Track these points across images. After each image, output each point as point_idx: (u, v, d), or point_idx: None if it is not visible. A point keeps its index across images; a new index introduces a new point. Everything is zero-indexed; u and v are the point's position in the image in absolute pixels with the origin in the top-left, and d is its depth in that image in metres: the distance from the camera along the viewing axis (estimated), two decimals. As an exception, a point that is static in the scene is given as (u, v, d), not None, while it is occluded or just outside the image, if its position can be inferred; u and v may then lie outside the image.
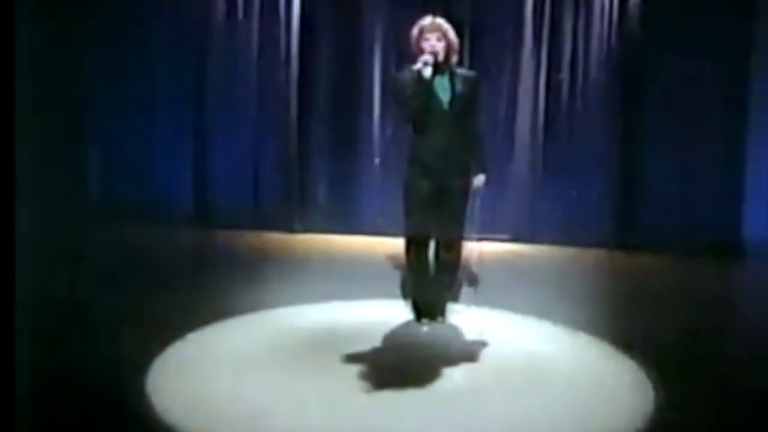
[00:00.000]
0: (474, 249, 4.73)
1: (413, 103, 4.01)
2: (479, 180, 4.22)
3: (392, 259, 5.12)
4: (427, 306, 4.33)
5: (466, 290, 4.72)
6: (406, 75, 4.05)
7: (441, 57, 4.02)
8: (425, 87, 3.99)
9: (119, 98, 6.95)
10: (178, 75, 7.09)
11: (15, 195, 1.81)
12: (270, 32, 7.09)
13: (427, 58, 3.97)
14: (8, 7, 1.71)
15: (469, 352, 3.89)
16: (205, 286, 4.99)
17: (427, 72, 3.97)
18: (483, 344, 4.01)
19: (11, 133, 1.73)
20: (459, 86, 4.08)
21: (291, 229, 7.12)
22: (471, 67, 4.53)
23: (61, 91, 6.43)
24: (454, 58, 4.13)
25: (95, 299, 4.41)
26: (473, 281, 4.89)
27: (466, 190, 4.19)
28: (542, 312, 4.55)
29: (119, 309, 4.29)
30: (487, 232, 6.44)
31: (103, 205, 6.86)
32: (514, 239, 6.92)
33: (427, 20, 4.08)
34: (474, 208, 4.35)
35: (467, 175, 4.18)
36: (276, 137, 7.20)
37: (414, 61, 4.05)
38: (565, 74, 6.87)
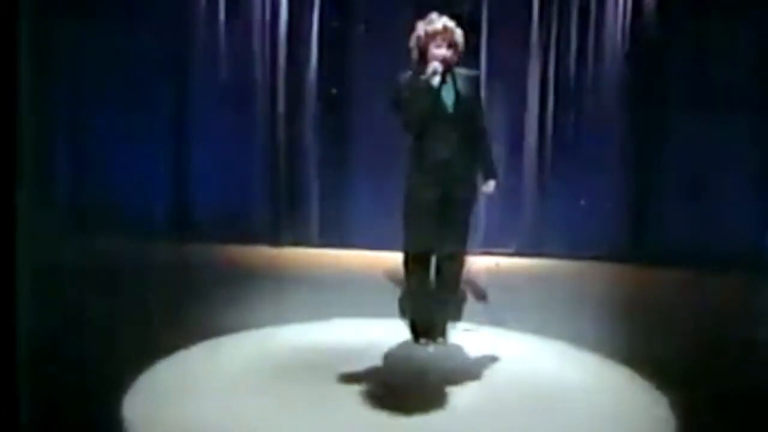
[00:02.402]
0: (478, 262, 4.73)
1: (416, 110, 4.01)
2: (489, 186, 4.25)
3: (390, 274, 5.12)
4: (427, 325, 4.32)
5: (470, 307, 4.72)
6: (408, 80, 4.06)
7: (449, 63, 4.04)
8: (432, 94, 4.00)
9: (91, 98, 6.89)
10: (158, 77, 7.06)
11: (16, 197, 1.79)
12: (257, 32, 7.11)
13: (437, 66, 3.98)
14: (12, 7, 1.73)
15: (472, 374, 3.89)
16: (186, 304, 4.96)
17: (437, 80, 3.99)
18: (487, 365, 4.02)
19: (13, 136, 1.75)
20: (462, 88, 4.10)
21: (278, 243, 7.11)
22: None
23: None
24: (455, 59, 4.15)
25: (65, 317, 4.37)
26: (481, 297, 4.90)
27: (470, 200, 4.22)
28: (549, 330, 4.57)
29: (91, 328, 4.25)
30: (490, 246, 6.47)
31: (72, 215, 6.80)
32: (519, 253, 6.94)
33: (438, 24, 4.06)
34: (477, 219, 4.36)
35: (473, 184, 4.20)
36: (263, 144, 7.22)
37: (411, 62, 4.07)
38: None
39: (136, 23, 6.88)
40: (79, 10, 6.58)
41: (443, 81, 4.02)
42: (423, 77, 3.99)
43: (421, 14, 4.18)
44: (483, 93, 4.33)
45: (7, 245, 1.81)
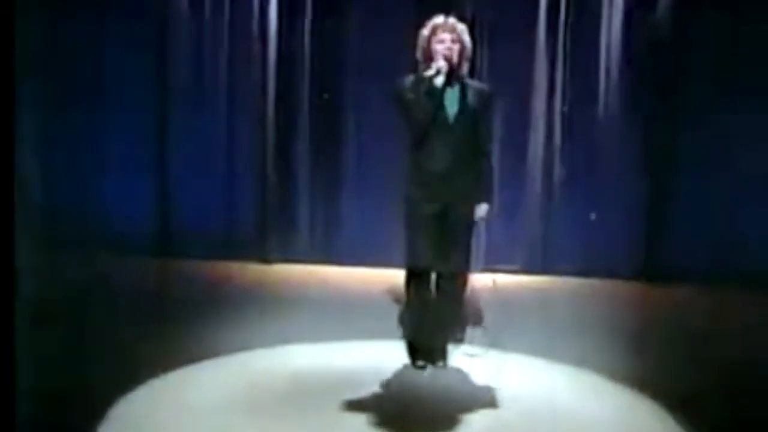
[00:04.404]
0: (481, 280, 4.73)
1: (416, 114, 4.00)
2: (481, 210, 4.21)
3: (393, 292, 5.12)
4: (426, 348, 4.31)
5: (473, 329, 4.73)
6: (410, 81, 4.04)
7: (454, 61, 4.03)
8: (434, 97, 3.99)
9: (65, 99, 6.87)
10: (139, 80, 7.08)
11: (14, 199, 1.90)
12: (246, 37, 7.16)
13: (442, 64, 3.97)
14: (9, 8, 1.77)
15: (474, 400, 3.88)
16: (168, 324, 4.96)
17: (440, 80, 3.97)
18: (491, 391, 4.01)
19: (11, 139, 1.79)
20: (469, 100, 4.08)
21: (267, 259, 7.13)
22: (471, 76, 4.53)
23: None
24: (466, 67, 4.14)
25: (35, 340, 4.34)
26: (476, 319, 4.89)
27: (471, 216, 4.21)
28: (557, 352, 4.57)
29: (64, 352, 4.20)
30: (495, 263, 6.48)
31: (44, 229, 6.77)
32: (525, 270, 6.95)
33: (439, 18, 4.08)
34: (479, 235, 4.35)
35: (474, 199, 4.19)
36: (250, 155, 7.24)
37: (416, 68, 4.08)
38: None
39: (118, 30, 6.94)
40: (57, 16, 6.60)
41: (447, 83, 3.99)
42: (426, 74, 3.96)
43: (421, 18, 4.18)
44: (493, 110, 4.26)
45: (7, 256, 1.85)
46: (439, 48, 4.01)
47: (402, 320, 4.57)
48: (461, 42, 4.07)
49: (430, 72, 3.96)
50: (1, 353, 1.97)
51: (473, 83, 4.19)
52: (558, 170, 7.03)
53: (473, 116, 4.09)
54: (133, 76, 7.03)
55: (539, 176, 7.08)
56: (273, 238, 7.21)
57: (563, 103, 6.98)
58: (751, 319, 5.79)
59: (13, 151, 2.00)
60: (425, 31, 4.08)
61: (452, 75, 4.03)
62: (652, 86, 6.87)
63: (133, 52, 7.02)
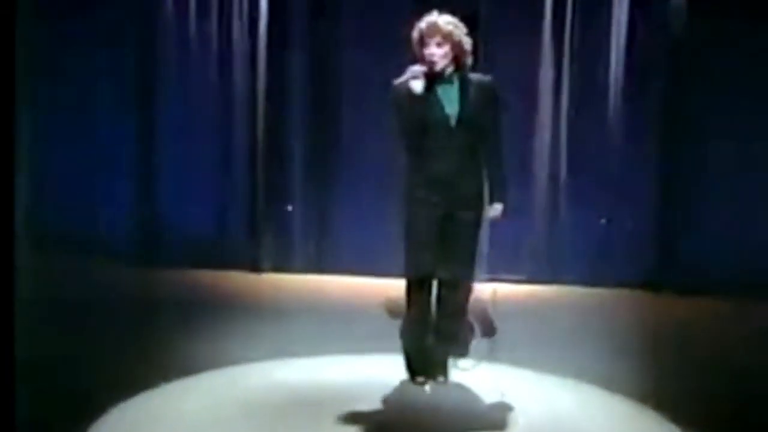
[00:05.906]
0: (486, 291, 4.69)
1: (407, 121, 4.01)
2: (495, 210, 4.18)
3: (391, 303, 5.09)
4: (425, 362, 4.29)
5: (478, 342, 4.68)
6: (402, 88, 4.01)
7: (439, 66, 3.99)
8: (421, 103, 3.97)
9: (48, 102, 6.91)
10: (124, 82, 7.10)
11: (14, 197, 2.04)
12: (235, 38, 7.17)
13: (416, 69, 3.96)
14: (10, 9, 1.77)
15: (476, 419, 3.86)
16: (155, 337, 4.96)
17: (418, 86, 3.95)
18: (494, 409, 3.98)
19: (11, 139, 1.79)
20: (471, 97, 4.04)
21: (258, 269, 7.11)
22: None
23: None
24: (468, 60, 4.09)
25: (17, 351, 4.33)
26: (489, 331, 4.84)
27: (476, 223, 4.18)
28: (566, 368, 4.54)
29: (46, 363, 4.16)
30: (501, 272, 6.44)
31: (28, 236, 6.78)
32: (531, 280, 6.94)
33: (425, 21, 4.02)
34: (485, 242, 4.32)
35: (479, 205, 4.15)
36: (240, 159, 7.24)
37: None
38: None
39: (109, 31, 6.99)
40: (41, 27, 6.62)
41: (431, 86, 3.97)
42: (398, 81, 3.96)
43: (419, 16, 4.13)
44: (499, 103, 4.17)
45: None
46: (425, 53, 3.99)
47: (403, 333, 4.52)
48: (449, 41, 3.99)
49: (403, 78, 3.96)
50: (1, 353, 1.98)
51: (475, 77, 4.13)
52: (564, 176, 7.03)
53: (476, 115, 4.05)
54: (122, 88, 7.08)
55: (545, 183, 7.07)
56: (264, 246, 7.19)
57: (571, 106, 6.96)
58: (757, 328, 5.77)
59: (13, 151, 2.07)
60: (414, 35, 4.04)
61: (435, 77, 3.99)
62: (664, 88, 6.86)
63: (124, 55, 7.07)
